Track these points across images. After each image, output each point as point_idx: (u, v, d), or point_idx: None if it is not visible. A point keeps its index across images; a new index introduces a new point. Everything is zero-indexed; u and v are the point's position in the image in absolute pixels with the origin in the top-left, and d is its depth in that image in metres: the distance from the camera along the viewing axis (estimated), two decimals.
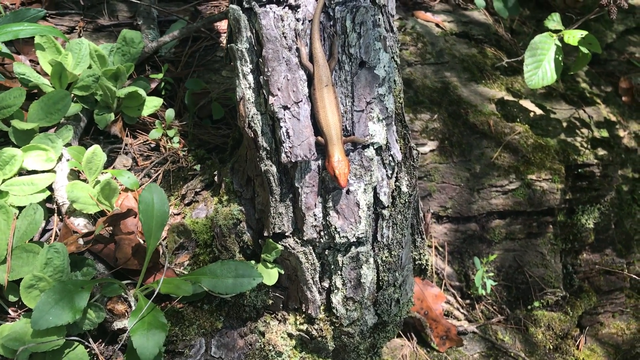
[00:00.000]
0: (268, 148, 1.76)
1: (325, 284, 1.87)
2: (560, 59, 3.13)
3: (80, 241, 1.84)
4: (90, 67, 2.39)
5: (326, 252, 1.82)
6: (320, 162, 1.74)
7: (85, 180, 2.07)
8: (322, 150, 1.72)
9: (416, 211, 1.97)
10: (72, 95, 2.29)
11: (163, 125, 2.45)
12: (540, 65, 3.16)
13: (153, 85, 2.62)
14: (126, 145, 2.41)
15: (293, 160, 1.70)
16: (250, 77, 1.77)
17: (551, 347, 2.95)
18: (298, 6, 1.69)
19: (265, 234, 1.84)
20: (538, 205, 3.06)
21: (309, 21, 1.71)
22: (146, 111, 2.41)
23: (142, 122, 2.52)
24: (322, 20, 1.72)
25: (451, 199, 2.98)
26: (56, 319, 1.56)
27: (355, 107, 1.74)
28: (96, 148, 2.05)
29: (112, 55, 2.49)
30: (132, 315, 1.66)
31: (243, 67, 1.76)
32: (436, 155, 3.01)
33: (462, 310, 2.91)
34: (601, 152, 3.31)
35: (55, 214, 2.04)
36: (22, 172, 2.06)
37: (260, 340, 1.92)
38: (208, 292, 1.83)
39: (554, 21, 3.31)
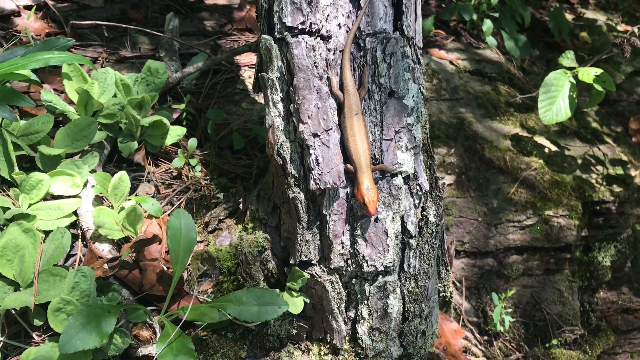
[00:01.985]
0: (296, 175, 1.77)
1: (351, 314, 1.86)
2: (574, 95, 3.17)
3: (106, 266, 1.84)
4: (115, 95, 2.42)
5: (353, 281, 1.81)
6: (348, 189, 1.75)
7: (109, 207, 2.07)
8: (351, 178, 1.73)
9: (441, 242, 1.97)
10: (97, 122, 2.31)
11: (185, 155, 2.47)
12: (555, 101, 3.20)
13: (175, 116, 2.65)
14: (148, 173, 2.42)
15: (322, 188, 1.70)
16: (280, 106, 1.79)
17: None
18: (329, 37, 1.72)
19: (292, 261, 1.83)
20: (555, 241, 3.05)
21: (340, 51, 1.74)
22: (169, 140, 2.43)
23: (165, 151, 2.53)
24: (352, 50, 1.75)
25: (469, 233, 2.97)
26: (83, 343, 1.55)
27: (384, 136, 1.75)
28: (122, 174, 2.06)
29: (136, 84, 2.52)
30: (159, 340, 1.64)
31: (273, 95, 1.79)
32: (453, 190, 3.02)
33: (480, 347, 2.87)
34: (617, 189, 3.32)
35: (79, 240, 2.04)
36: (46, 198, 2.06)
37: None
38: (232, 320, 1.81)
39: (568, 59, 3.36)
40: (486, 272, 3.00)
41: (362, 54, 1.75)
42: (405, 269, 1.83)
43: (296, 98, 1.71)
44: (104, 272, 1.80)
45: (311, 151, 1.71)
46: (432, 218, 1.83)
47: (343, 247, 1.76)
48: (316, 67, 1.71)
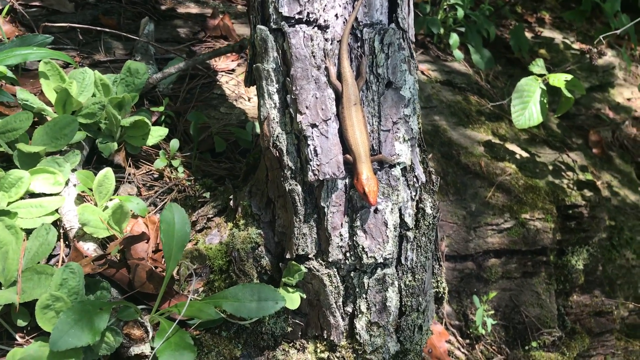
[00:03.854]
0: (293, 167, 1.74)
1: (349, 309, 1.82)
2: (545, 101, 3.25)
3: (93, 264, 1.76)
4: (94, 95, 2.35)
5: (351, 275, 1.78)
6: (347, 180, 1.73)
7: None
8: (350, 169, 1.71)
9: (435, 236, 1.96)
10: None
11: (167, 156, 2.41)
12: (527, 106, 3.27)
13: (154, 119, 2.59)
14: (129, 174, 2.35)
15: (321, 179, 1.68)
16: (276, 97, 1.76)
17: None
18: (327, 26, 1.72)
19: (288, 256, 1.79)
20: (532, 244, 3.09)
21: (338, 41, 1.74)
22: (151, 140, 2.36)
23: (145, 153, 2.47)
24: (349, 42, 1.75)
25: (448, 237, 2.98)
26: (76, 339, 1.46)
27: (382, 127, 1.74)
28: (108, 171, 1.99)
29: (115, 85, 2.46)
30: (157, 335, 1.57)
31: (269, 86, 1.76)
32: None
33: (462, 350, 2.87)
34: (588, 193, 3.39)
35: (61, 240, 1.95)
36: (24, 197, 1.97)
37: None
38: (226, 318, 1.76)
39: (538, 66, 3.45)
40: (466, 275, 3.02)
41: (359, 44, 1.75)
42: (403, 262, 1.82)
43: (293, 88, 1.69)
44: (92, 269, 1.72)
45: (309, 142, 1.69)
46: (429, 210, 1.83)
47: (341, 240, 1.73)
48: (314, 56, 1.70)
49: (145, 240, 1.89)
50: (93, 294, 1.70)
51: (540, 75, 3.33)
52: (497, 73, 4.73)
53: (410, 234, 1.80)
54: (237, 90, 3.09)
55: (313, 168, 1.68)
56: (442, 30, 4.28)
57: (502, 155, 3.40)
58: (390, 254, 1.75)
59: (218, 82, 3.10)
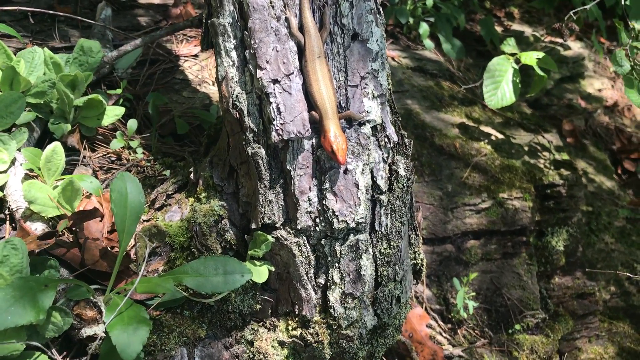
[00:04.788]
0: (255, 129, 1.62)
1: (321, 280, 1.69)
2: (517, 81, 3.18)
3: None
4: (44, 74, 2.20)
5: (322, 242, 1.65)
6: (314, 141, 1.61)
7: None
8: (316, 127, 1.59)
9: (411, 202, 1.85)
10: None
11: (125, 138, 2.26)
12: (499, 86, 3.20)
13: (111, 102, 2.45)
14: (84, 157, 2.20)
15: (285, 138, 1.55)
16: (234, 54, 1.64)
17: None
18: None
19: (253, 226, 1.65)
20: (511, 224, 3.00)
21: None
22: (107, 120, 2.22)
23: (102, 135, 2.32)
24: None
25: (425, 219, 2.87)
26: (17, 318, 1.31)
27: (349, 82, 1.63)
28: (56, 145, 1.84)
29: (68, 65, 2.31)
30: (108, 310, 1.42)
31: (226, 43, 1.64)
32: None
33: (444, 335, 2.76)
34: (565, 172, 3.32)
35: (7, 223, 1.80)
36: None
37: (248, 351, 1.69)
38: (188, 297, 1.62)
39: (509, 45, 3.39)
40: (445, 258, 2.91)
41: None
42: (377, 228, 1.69)
43: (252, 42, 1.57)
44: (37, 246, 1.56)
45: (271, 99, 1.56)
46: (402, 172, 1.71)
47: (310, 205, 1.61)
48: (273, 7, 1.58)
49: (99, 218, 1.75)
50: (40, 274, 1.55)
51: (512, 55, 3.26)
52: (468, 65, 4.68)
53: (383, 197, 1.68)
54: (201, 74, 2.96)
55: (277, 128, 1.56)
56: (411, 20, 4.21)
57: (477, 136, 3.32)
58: (362, 217, 1.62)
59: (180, 67, 2.97)
